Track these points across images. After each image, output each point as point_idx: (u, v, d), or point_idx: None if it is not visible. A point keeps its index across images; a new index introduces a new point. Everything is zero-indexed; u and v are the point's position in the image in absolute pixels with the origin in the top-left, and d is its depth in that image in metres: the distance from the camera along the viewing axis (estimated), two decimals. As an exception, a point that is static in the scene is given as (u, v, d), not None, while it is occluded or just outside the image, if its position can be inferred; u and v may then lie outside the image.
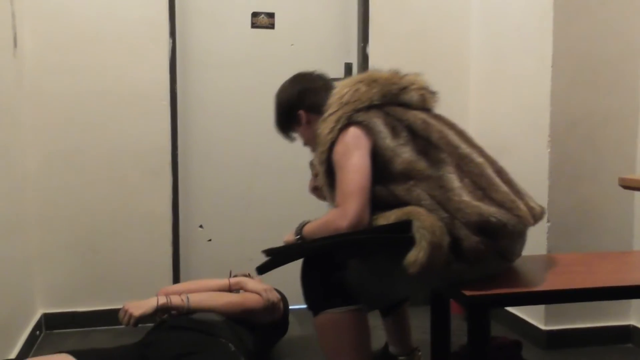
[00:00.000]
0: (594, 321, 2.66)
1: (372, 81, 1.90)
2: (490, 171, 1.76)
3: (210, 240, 3.22)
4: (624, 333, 2.69)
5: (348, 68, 3.23)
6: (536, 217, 1.76)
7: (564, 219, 2.57)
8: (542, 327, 2.63)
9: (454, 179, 1.70)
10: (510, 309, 2.83)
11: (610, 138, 2.63)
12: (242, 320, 2.27)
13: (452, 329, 2.08)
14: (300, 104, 2.14)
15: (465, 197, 1.66)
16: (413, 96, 1.92)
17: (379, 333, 2.36)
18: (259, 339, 2.35)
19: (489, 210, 1.63)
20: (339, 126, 1.85)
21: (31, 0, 2.78)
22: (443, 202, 1.66)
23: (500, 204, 1.67)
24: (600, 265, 1.95)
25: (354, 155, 1.78)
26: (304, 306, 2.97)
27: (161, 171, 3.01)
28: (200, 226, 3.20)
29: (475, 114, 3.14)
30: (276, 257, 1.77)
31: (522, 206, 1.70)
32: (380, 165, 1.77)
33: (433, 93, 2.00)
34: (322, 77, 2.23)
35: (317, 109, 1.99)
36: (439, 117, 1.92)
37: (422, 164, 1.73)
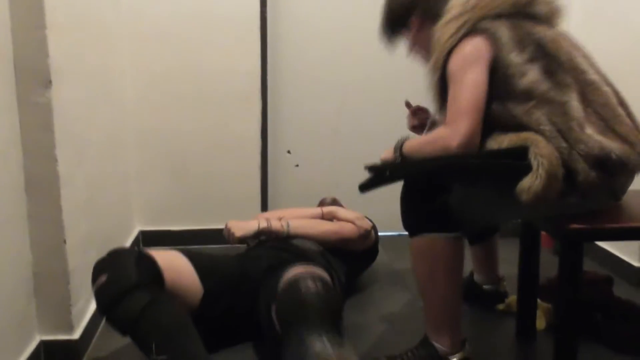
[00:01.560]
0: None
1: None
2: (614, 101, 1.62)
3: (297, 165, 3.24)
4: None
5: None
6: None
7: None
8: (636, 264, 2.53)
9: (577, 107, 1.57)
10: (602, 244, 2.73)
11: None
12: (337, 249, 2.27)
13: (541, 262, 2.04)
14: (414, 9, 1.91)
15: (588, 128, 1.54)
16: (542, 9, 1.74)
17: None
18: (351, 267, 2.37)
19: (611, 145, 1.52)
20: (461, 33, 1.68)
21: None
22: (564, 131, 1.54)
23: (623, 139, 1.55)
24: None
25: (472, 70, 1.63)
26: (390, 233, 3.02)
27: (251, 95, 3.01)
28: (288, 151, 3.22)
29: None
30: (379, 176, 1.70)
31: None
32: (501, 81, 1.63)
33: (560, 8, 1.80)
34: None
35: (432, 15, 1.81)
36: (565, 36, 1.73)
37: (546, 85, 1.59)
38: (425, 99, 1.85)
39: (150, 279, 1.63)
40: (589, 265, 2.60)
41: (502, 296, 2.31)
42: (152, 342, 1.52)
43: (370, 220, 2.53)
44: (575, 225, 1.55)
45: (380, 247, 2.63)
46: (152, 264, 1.68)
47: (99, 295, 1.60)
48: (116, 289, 1.57)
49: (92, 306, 2.06)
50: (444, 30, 1.71)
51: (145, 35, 2.89)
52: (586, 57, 1.70)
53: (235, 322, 1.89)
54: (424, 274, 1.79)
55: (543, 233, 2.03)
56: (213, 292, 1.84)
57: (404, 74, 3.07)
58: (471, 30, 1.67)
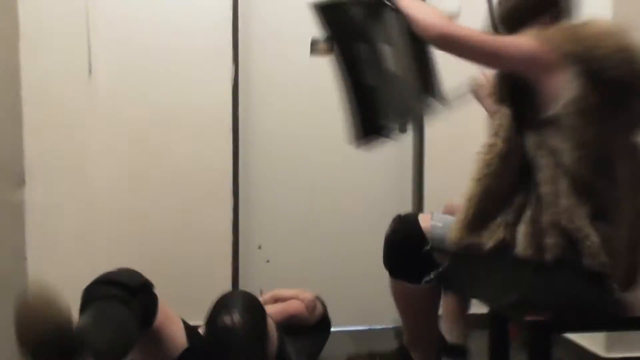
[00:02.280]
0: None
1: None
2: None
3: (268, 261, 3.23)
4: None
5: None
6: None
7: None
8: (603, 354, 2.52)
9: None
10: (569, 335, 2.73)
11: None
12: (290, 327, 2.26)
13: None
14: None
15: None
16: None
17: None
18: (308, 342, 2.37)
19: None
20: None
21: (104, 32, 2.85)
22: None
23: None
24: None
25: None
26: (359, 327, 2.99)
27: (222, 193, 3.04)
28: (259, 247, 3.22)
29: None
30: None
31: None
32: None
33: None
34: None
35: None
36: None
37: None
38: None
39: (141, 295, 1.64)
40: (557, 357, 2.60)
41: (462, 350, 2.36)
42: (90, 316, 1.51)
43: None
44: (541, 317, 1.57)
45: (350, 340, 2.60)
46: (153, 296, 1.71)
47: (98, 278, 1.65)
48: (108, 276, 1.65)
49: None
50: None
51: (119, 136, 2.92)
52: None
53: None
54: (401, 309, 1.94)
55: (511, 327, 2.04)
56: (194, 351, 1.82)
57: (371, 175, 3.16)
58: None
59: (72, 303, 2.16)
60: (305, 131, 3.20)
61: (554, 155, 1.58)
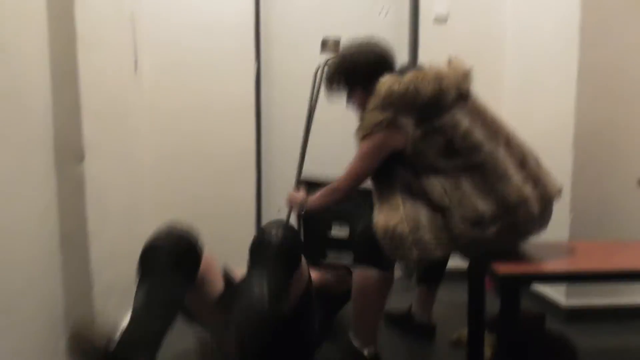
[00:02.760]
0: (612, 299, 2.55)
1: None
2: (507, 164, 1.73)
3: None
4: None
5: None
6: (546, 199, 1.75)
7: (585, 212, 2.46)
8: (563, 302, 2.54)
9: (465, 182, 1.72)
10: (534, 286, 2.74)
11: (630, 143, 2.50)
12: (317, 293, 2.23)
13: (486, 301, 2.04)
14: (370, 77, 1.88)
15: (470, 194, 1.69)
16: (450, 94, 1.79)
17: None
18: (330, 307, 2.35)
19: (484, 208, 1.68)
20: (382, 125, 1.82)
21: (149, 32, 2.88)
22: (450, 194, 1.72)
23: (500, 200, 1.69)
24: (618, 252, 1.87)
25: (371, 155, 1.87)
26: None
27: (247, 167, 3.06)
28: (278, 210, 3.24)
29: (508, 120, 3.04)
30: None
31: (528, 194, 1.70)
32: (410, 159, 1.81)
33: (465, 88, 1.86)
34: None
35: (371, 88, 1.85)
36: (471, 109, 1.81)
37: (442, 165, 1.74)
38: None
39: (185, 259, 1.66)
40: (523, 305, 2.61)
41: (430, 327, 2.34)
42: (141, 297, 1.53)
43: (347, 268, 2.52)
44: (511, 270, 1.59)
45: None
46: (197, 257, 1.72)
47: (153, 236, 1.69)
48: (160, 246, 1.64)
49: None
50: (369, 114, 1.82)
51: (161, 122, 2.96)
52: (485, 124, 1.79)
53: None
54: (363, 296, 1.95)
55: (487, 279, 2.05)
56: (229, 293, 1.84)
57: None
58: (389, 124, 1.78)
59: (124, 256, 2.21)
60: (316, 116, 3.20)
61: (425, 172, 1.78)
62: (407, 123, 1.76)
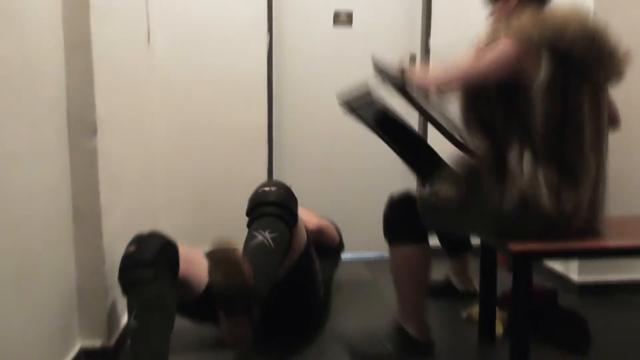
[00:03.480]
0: (623, 274, 2.52)
1: None
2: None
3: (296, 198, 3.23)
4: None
5: (412, 58, 3.13)
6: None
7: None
8: (575, 278, 2.51)
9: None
10: (547, 262, 2.72)
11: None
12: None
13: (498, 278, 2.03)
14: None
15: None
16: None
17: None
18: (327, 262, 2.36)
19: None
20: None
21: (161, 4, 2.83)
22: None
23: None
24: (630, 227, 1.84)
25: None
26: (371, 254, 3.00)
27: (259, 141, 3.03)
28: (290, 185, 3.21)
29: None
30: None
31: None
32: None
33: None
34: None
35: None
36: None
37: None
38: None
39: (164, 262, 1.61)
40: (537, 280, 2.59)
41: (471, 294, 2.37)
42: (134, 308, 1.52)
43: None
44: (523, 247, 1.56)
45: (365, 267, 2.61)
46: (174, 252, 1.67)
47: (123, 259, 1.62)
48: (133, 260, 1.58)
49: (126, 318, 2.03)
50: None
51: (173, 94, 2.92)
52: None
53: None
54: (399, 273, 1.84)
55: (499, 253, 2.03)
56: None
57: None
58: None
59: (137, 230, 2.19)
60: (327, 90, 3.13)
61: (523, 128, 1.59)
62: (550, 61, 1.54)
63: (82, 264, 1.75)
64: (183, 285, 1.70)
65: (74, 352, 1.72)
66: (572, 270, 2.54)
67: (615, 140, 2.41)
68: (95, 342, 1.79)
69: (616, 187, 2.43)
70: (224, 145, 3.01)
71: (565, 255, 1.88)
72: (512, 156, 1.61)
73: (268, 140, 3.04)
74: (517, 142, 1.61)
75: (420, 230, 1.79)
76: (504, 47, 1.57)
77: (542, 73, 1.54)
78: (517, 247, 1.56)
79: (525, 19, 1.58)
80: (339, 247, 2.55)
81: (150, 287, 1.54)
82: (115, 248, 1.91)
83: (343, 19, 3.12)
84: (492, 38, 1.65)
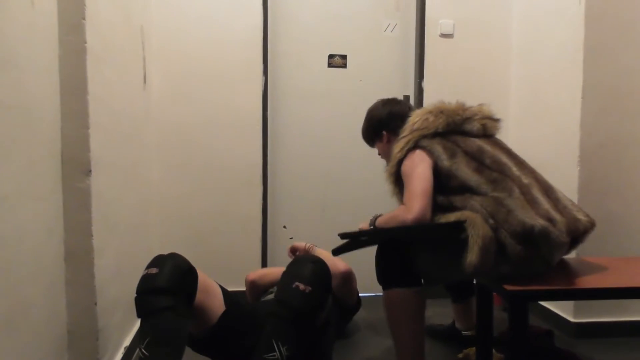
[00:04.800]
0: (619, 315, 2.50)
1: (440, 112, 1.88)
2: (535, 191, 1.68)
3: (291, 238, 3.21)
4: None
5: (406, 99, 3.17)
6: (580, 229, 1.67)
7: (591, 227, 2.42)
8: (571, 319, 2.48)
9: (502, 196, 1.64)
10: (544, 303, 2.69)
11: (635, 159, 2.47)
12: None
13: (494, 318, 2.00)
14: (385, 125, 2.13)
15: (514, 210, 1.60)
16: (475, 125, 1.87)
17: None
18: (341, 316, 2.31)
19: (533, 221, 1.55)
20: (407, 147, 1.85)
21: (157, 47, 2.87)
22: (493, 213, 1.60)
23: (544, 217, 1.59)
24: (624, 268, 1.82)
25: (419, 167, 1.77)
26: (371, 294, 2.97)
27: (254, 182, 3.03)
28: (284, 227, 3.21)
29: (514, 137, 3.01)
30: (351, 241, 1.76)
31: (559, 219, 1.61)
32: (441, 181, 1.75)
33: (495, 120, 1.94)
34: (408, 105, 2.21)
35: (396, 132, 1.98)
36: (496, 143, 1.87)
37: (475, 181, 1.69)
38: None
39: (183, 290, 1.60)
40: (532, 321, 2.57)
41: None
42: (147, 336, 1.50)
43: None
44: (519, 288, 1.54)
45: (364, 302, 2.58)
46: (193, 280, 1.65)
47: (142, 280, 1.60)
48: (153, 285, 1.57)
49: (117, 359, 1.98)
50: (396, 145, 1.89)
51: (169, 135, 2.94)
52: (513, 156, 1.82)
53: (236, 344, 1.85)
54: (394, 319, 1.81)
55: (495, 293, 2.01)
56: (229, 315, 1.80)
57: (377, 167, 3.14)
58: (414, 146, 1.84)
59: (129, 272, 2.17)
60: (322, 131, 3.19)
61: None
62: (432, 144, 1.80)
63: (74, 305, 1.71)
64: (196, 315, 1.68)
65: (62, 397, 1.67)
66: (568, 311, 2.51)
67: (609, 181, 2.44)
68: (85, 385, 1.74)
69: (610, 227, 2.45)
70: (219, 186, 3.01)
71: (561, 296, 1.85)
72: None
73: (263, 179, 3.04)
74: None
75: (414, 274, 1.79)
76: (408, 164, 1.81)
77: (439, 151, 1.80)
78: (512, 288, 1.54)
79: (395, 146, 1.89)
80: (357, 304, 2.49)
81: (166, 317, 1.53)
82: (108, 289, 1.89)
83: (337, 61, 3.18)
84: (390, 171, 1.91)
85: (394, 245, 1.81)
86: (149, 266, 1.64)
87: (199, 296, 1.67)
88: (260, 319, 1.75)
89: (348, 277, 2.27)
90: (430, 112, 1.88)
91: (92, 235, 1.72)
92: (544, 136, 2.75)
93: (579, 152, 2.44)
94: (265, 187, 3.07)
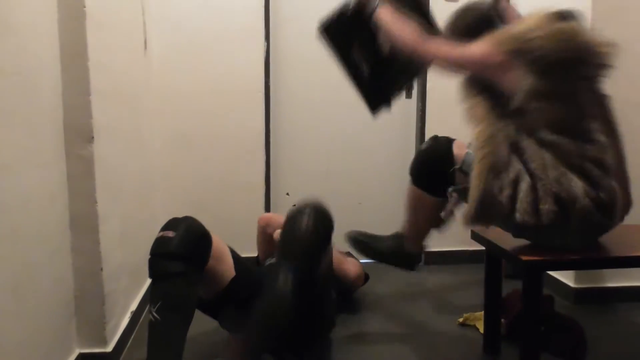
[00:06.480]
0: (619, 281, 2.51)
1: None
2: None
3: (294, 205, 3.21)
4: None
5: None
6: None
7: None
8: (572, 285, 2.50)
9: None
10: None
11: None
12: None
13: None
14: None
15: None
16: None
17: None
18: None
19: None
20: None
21: (158, 11, 2.82)
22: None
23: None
24: (629, 236, 1.82)
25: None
26: (369, 261, 2.99)
27: (257, 149, 3.02)
28: (287, 194, 3.21)
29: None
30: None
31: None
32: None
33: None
34: None
35: None
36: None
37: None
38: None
39: (195, 257, 1.62)
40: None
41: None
42: (158, 300, 1.52)
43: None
44: (536, 258, 1.56)
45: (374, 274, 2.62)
46: (207, 246, 1.68)
47: (157, 242, 1.61)
48: (167, 249, 1.58)
49: (124, 323, 2.02)
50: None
51: (170, 101, 2.91)
52: (610, 114, 1.67)
53: (242, 310, 1.87)
54: (412, 213, 2.00)
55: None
56: (237, 282, 1.82)
57: (379, 133, 3.12)
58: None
59: (134, 238, 2.18)
60: (325, 97, 3.16)
61: (534, 135, 1.55)
62: (528, 72, 1.54)
63: (80, 271, 1.73)
64: (205, 280, 1.70)
65: (71, 358, 1.71)
66: (569, 277, 2.53)
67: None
68: (93, 349, 1.77)
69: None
70: (221, 152, 3.00)
71: (576, 265, 1.88)
72: (530, 152, 1.55)
73: (265, 146, 3.03)
74: (529, 139, 1.56)
75: (442, 187, 1.84)
76: (479, 48, 1.60)
77: (524, 85, 1.53)
78: (528, 258, 1.56)
79: (500, 33, 1.61)
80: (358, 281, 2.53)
81: (178, 283, 1.55)
82: (113, 254, 1.91)
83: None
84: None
85: (445, 150, 1.85)
86: (165, 228, 1.64)
87: (211, 262, 1.69)
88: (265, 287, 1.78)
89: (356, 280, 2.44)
90: None
91: (96, 202, 1.73)
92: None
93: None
94: (268, 154, 3.07)
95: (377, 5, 1.77)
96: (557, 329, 2.01)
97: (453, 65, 1.69)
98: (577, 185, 1.51)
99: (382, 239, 2.15)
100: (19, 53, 1.37)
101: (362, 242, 2.15)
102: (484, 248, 1.93)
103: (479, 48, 1.60)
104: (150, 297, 1.56)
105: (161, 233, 1.62)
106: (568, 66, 1.55)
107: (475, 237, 1.92)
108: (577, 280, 2.49)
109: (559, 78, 1.54)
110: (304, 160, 3.20)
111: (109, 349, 1.81)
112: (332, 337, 2.10)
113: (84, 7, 1.65)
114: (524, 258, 1.56)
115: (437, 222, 2.00)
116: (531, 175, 1.53)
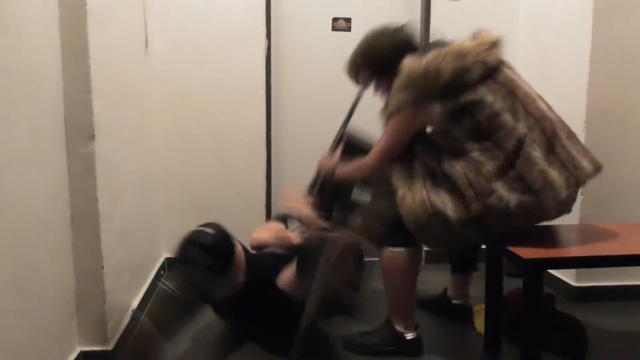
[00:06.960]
0: (620, 280, 2.51)
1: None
2: (534, 148, 1.66)
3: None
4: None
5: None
6: (573, 182, 1.68)
7: (596, 192, 2.40)
8: (573, 283, 2.51)
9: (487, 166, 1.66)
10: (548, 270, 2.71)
11: (640, 124, 2.45)
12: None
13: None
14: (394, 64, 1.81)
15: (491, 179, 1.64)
16: (477, 70, 1.69)
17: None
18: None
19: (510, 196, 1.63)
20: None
21: (159, 9, 2.82)
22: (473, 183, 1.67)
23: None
24: (630, 234, 1.82)
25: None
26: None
27: (257, 148, 3.02)
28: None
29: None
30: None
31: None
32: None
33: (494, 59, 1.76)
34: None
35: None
36: (504, 85, 1.73)
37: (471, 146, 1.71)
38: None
39: (225, 261, 1.79)
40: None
41: (465, 310, 2.28)
42: (182, 280, 1.68)
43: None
44: (537, 256, 1.57)
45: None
46: (231, 256, 1.83)
47: (196, 232, 1.81)
48: (204, 240, 1.76)
49: (125, 321, 2.02)
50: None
51: (171, 99, 2.91)
52: (523, 98, 1.71)
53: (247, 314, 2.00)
54: (391, 278, 1.94)
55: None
56: (246, 287, 1.92)
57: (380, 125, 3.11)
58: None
59: (135, 236, 2.19)
60: (326, 95, 3.16)
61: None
62: (432, 103, 1.70)
63: (81, 269, 1.74)
64: (222, 282, 1.82)
65: (73, 356, 1.71)
66: (570, 275, 2.53)
67: (614, 146, 2.43)
68: (95, 347, 1.78)
69: (615, 193, 2.45)
70: (222, 151, 2.99)
71: (577, 264, 1.88)
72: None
73: (266, 144, 3.03)
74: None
75: (410, 235, 1.82)
76: (399, 120, 1.77)
77: (437, 111, 1.70)
78: (529, 256, 1.56)
79: (393, 94, 1.75)
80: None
81: (202, 272, 1.67)
82: (114, 252, 1.90)
83: (342, 24, 3.12)
84: (385, 107, 1.83)
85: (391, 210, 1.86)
86: (205, 225, 1.81)
87: (230, 269, 1.82)
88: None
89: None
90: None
91: (97, 200, 1.73)
92: (551, 101, 2.70)
93: (585, 117, 2.41)
94: (269, 152, 3.06)
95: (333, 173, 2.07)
96: (558, 328, 2.01)
97: (394, 152, 1.81)
98: (503, 190, 1.62)
99: (372, 332, 2.05)
100: (20, 51, 1.37)
101: (353, 343, 2.03)
102: (484, 247, 1.94)
103: (400, 121, 1.77)
104: (172, 273, 1.66)
105: (201, 227, 1.79)
106: (456, 82, 1.66)
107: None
108: (578, 278, 2.49)
109: (456, 93, 1.67)
110: (305, 158, 3.19)
111: (110, 347, 1.82)
112: (332, 338, 2.10)
113: (85, 5, 1.65)
114: (525, 256, 1.56)
115: (415, 281, 1.97)
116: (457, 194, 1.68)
